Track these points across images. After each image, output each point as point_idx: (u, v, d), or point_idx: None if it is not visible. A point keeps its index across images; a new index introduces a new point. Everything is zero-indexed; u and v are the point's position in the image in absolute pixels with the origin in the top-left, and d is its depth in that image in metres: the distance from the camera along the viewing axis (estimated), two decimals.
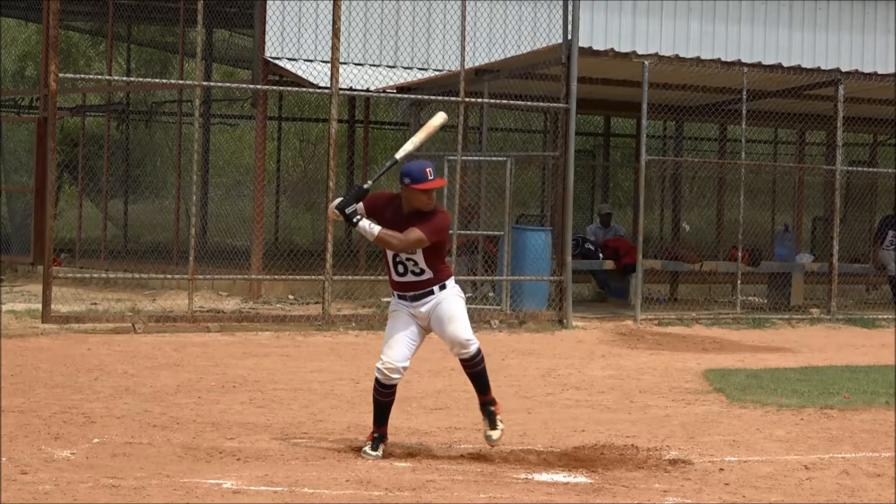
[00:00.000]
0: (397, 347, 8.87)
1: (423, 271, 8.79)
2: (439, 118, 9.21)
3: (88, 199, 26.25)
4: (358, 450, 8.96)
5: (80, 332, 15.80)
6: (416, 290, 8.83)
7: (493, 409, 9.00)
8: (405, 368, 8.90)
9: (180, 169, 22.87)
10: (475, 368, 8.96)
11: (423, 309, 8.84)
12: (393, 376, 8.86)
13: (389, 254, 8.81)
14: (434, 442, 9.44)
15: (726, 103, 22.05)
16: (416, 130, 20.45)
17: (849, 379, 13.39)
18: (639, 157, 19.70)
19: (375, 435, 8.91)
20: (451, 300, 8.85)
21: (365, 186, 8.81)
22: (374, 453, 8.80)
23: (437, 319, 8.85)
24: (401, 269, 8.82)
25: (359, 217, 8.71)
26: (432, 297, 8.83)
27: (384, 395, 8.93)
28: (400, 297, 8.90)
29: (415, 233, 8.63)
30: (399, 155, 8.98)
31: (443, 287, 8.84)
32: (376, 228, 8.66)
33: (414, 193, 8.71)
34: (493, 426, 8.98)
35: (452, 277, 8.93)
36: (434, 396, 11.65)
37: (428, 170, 8.73)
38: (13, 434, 9.19)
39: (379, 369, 8.89)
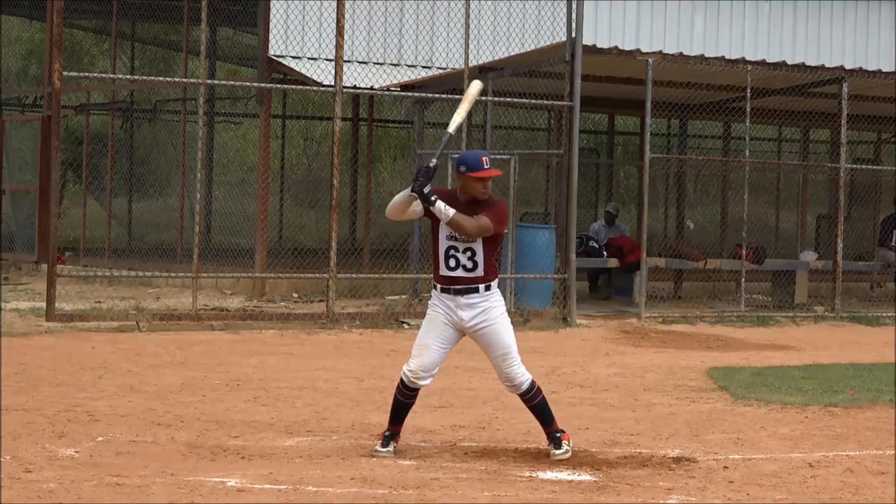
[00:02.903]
0: (428, 355, 8.77)
1: (476, 265, 8.67)
2: (476, 86, 9.16)
3: (92, 198, 26.25)
4: (363, 448, 8.97)
5: (84, 331, 15.81)
6: (462, 285, 8.71)
7: (559, 436, 8.90)
8: (433, 375, 8.87)
9: (184, 167, 22.87)
10: (532, 402, 8.91)
11: (466, 314, 8.71)
12: (419, 382, 8.82)
13: (442, 245, 8.70)
14: (438, 440, 9.44)
15: (730, 101, 22.04)
16: (420, 129, 20.61)
17: (853, 377, 13.39)
18: (643, 155, 19.70)
19: (387, 433, 8.90)
20: (502, 325, 8.76)
21: (432, 165, 8.64)
22: (384, 450, 8.79)
23: (486, 341, 8.76)
24: (452, 262, 8.70)
25: (435, 197, 8.59)
26: (477, 297, 8.71)
27: (406, 397, 8.90)
28: (443, 291, 8.74)
29: (483, 219, 8.57)
30: (451, 129, 8.93)
31: (488, 288, 8.73)
32: (451, 210, 8.55)
33: (470, 182, 8.66)
34: (557, 446, 8.87)
35: (497, 279, 8.85)
36: (438, 395, 11.65)
37: (484, 158, 8.70)
38: (17, 432, 9.20)
39: (405, 373, 8.82)
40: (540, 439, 9.19)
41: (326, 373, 13.11)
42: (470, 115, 18.67)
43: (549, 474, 8.38)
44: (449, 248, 8.70)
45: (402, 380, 8.87)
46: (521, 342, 16.29)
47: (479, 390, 12.07)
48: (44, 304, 16.09)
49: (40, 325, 15.93)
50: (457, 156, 9.06)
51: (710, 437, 9.88)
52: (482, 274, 8.71)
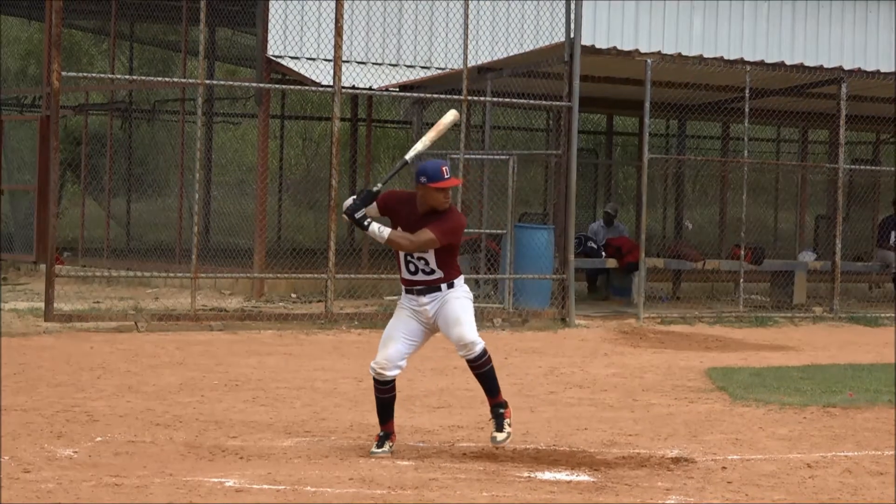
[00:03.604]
0: (391, 345, 8.87)
1: (433, 271, 8.79)
2: (450, 116, 9.15)
3: (91, 198, 26.23)
4: (361, 448, 8.98)
5: (82, 331, 15.81)
6: (424, 286, 8.82)
7: (502, 412, 8.96)
8: (400, 367, 8.89)
9: (183, 167, 22.86)
10: (481, 370, 8.94)
11: (428, 306, 8.82)
12: (386, 374, 8.86)
13: (402, 252, 8.79)
14: (437, 440, 9.44)
15: (729, 101, 22.04)
16: (418, 129, 20.60)
17: (852, 377, 13.39)
18: (641, 156, 19.70)
19: (381, 434, 8.93)
20: (456, 301, 8.84)
21: (374, 189, 8.78)
22: (380, 450, 8.81)
23: (443, 320, 8.85)
24: (412, 267, 8.82)
25: (368, 221, 8.66)
26: (439, 293, 8.82)
27: (382, 392, 8.95)
28: (408, 291, 8.88)
29: (426, 234, 8.62)
30: (409, 156, 8.97)
31: (451, 286, 8.83)
32: (386, 231, 8.65)
33: (429, 192, 8.69)
34: (499, 428, 8.95)
35: (462, 277, 8.93)
36: (437, 395, 11.65)
37: (444, 168, 8.71)
38: (16, 432, 9.19)
39: (372, 367, 8.93)
40: (539, 439, 9.19)
41: (325, 373, 13.11)
42: (469, 114, 18.69)
43: (548, 475, 8.38)
44: (406, 254, 8.80)
45: (373, 377, 8.93)
46: (520, 343, 16.36)
47: (477, 391, 12.00)
48: (42, 305, 16.08)
49: (39, 325, 15.93)
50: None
51: (708, 438, 9.88)
52: (442, 276, 8.82)
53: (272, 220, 25.32)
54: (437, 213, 8.72)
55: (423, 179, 8.68)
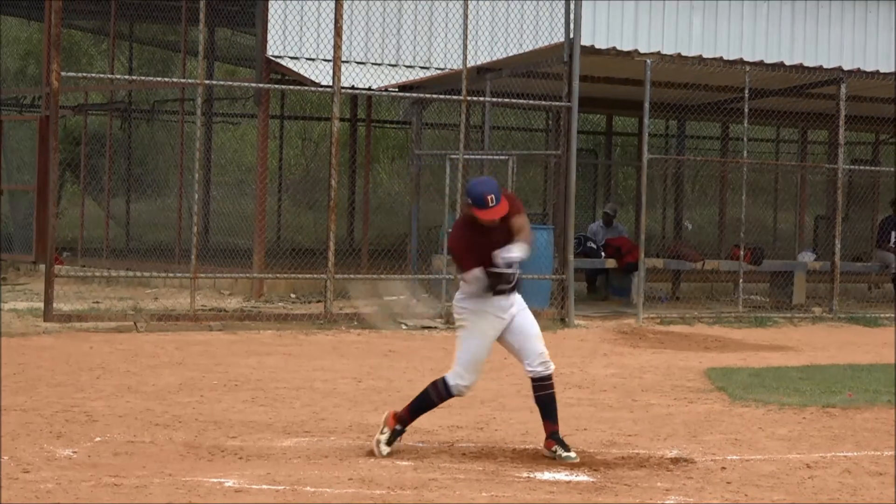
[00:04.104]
0: (481, 366, 8.77)
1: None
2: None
3: (90, 198, 26.24)
4: (360, 448, 8.96)
5: (82, 331, 15.80)
6: (510, 284, 8.62)
7: (561, 437, 8.88)
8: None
9: (182, 167, 22.86)
10: (549, 390, 8.84)
11: (513, 308, 8.68)
12: (466, 393, 8.86)
13: (494, 257, 8.51)
14: (436, 441, 9.44)
15: (728, 102, 22.04)
16: (418, 129, 20.61)
17: (851, 378, 13.39)
18: (641, 156, 19.70)
19: (398, 427, 8.81)
20: (528, 311, 8.75)
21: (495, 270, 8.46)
22: (388, 449, 8.73)
23: (520, 329, 8.70)
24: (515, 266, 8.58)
25: (510, 268, 8.43)
26: (516, 294, 8.71)
27: (441, 400, 8.87)
28: (497, 292, 8.57)
29: (521, 219, 8.48)
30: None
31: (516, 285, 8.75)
32: (515, 246, 8.39)
33: (475, 213, 8.46)
34: (566, 449, 8.80)
35: None
36: None
37: (489, 197, 8.38)
38: (15, 432, 9.19)
39: (460, 388, 8.75)
40: (538, 440, 9.19)
41: (324, 373, 13.11)
42: (469, 115, 18.68)
43: (547, 475, 8.38)
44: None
45: (448, 386, 8.75)
46: None
47: (476, 391, 12.03)
48: (42, 305, 16.07)
49: (38, 325, 15.93)
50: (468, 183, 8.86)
51: (707, 438, 9.88)
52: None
53: (271, 220, 25.31)
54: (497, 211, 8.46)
55: (469, 201, 8.45)
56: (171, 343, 15.10)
